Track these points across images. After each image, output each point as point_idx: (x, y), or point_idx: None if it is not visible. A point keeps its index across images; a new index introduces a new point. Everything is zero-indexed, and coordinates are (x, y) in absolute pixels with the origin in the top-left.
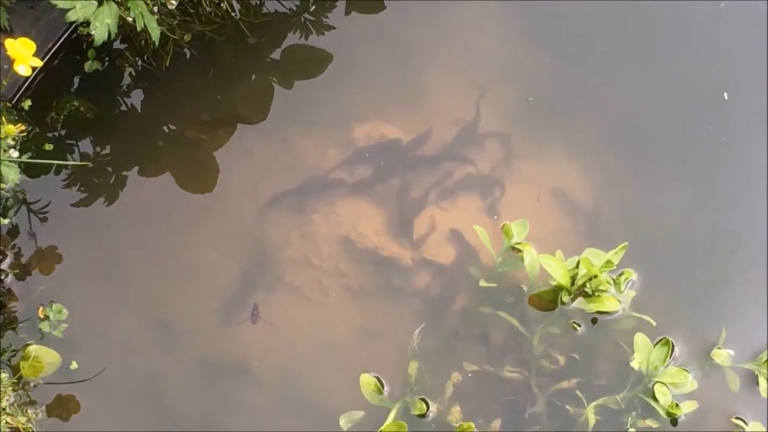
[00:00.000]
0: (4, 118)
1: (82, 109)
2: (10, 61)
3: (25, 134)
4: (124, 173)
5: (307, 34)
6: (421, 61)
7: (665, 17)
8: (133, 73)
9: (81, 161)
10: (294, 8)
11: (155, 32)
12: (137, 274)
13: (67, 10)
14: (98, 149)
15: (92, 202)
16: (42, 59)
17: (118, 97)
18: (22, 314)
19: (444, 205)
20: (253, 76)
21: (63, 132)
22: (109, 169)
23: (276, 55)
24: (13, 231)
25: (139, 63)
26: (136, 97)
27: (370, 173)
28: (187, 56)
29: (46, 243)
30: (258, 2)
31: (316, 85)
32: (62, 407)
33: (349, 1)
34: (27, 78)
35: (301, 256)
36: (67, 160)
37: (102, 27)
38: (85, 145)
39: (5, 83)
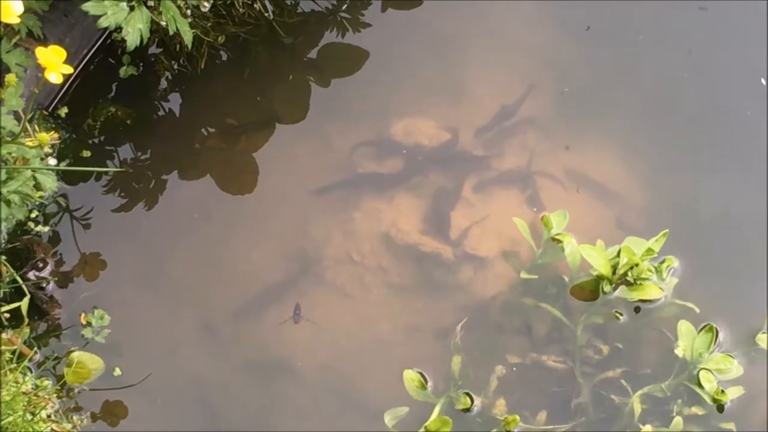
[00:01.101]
0: (37, 126)
1: (119, 114)
2: (42, 69)
3: (60, 142)
4: (164, 177)
5: (344, 32)
6: (457, 54)
7: (702, 4)
8: (170, 77)
9: (120, 166)
10: (330, 7)
11: (188, 35)
12: (179, 278)
13: (98, 17)
14: (137, 154)
15: (132, 207)
16: (77, 66)
17: (155, 102)
18: (65, 321)
19: (483, 198)
20: (290, 76)
21: (100, 138)
22: (149, 173)
23: (312, 54)
24: (54, 238)
25: (175, 67)
26: (173, 101)
27: (409, 169)
28: (223, 58)
29: (89, 249)
30: (293, 2)
31: (353, 83)
32: (110, 413)
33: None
34: (62, 85)
35: (342, 254)
36: (105, 166)
37: (134, 32)
38: (124, 151)
39: (36, 91)
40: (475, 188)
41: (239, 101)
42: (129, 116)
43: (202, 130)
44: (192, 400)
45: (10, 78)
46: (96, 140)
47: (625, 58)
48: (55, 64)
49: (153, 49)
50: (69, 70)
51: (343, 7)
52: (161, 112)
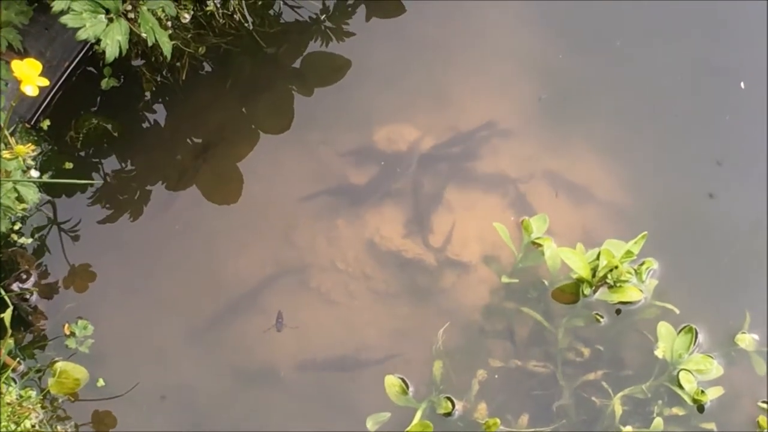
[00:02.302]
0: (19, 139)
1: (101, 126)
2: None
3: (43, 154)
4: (148, 188)
5: (327, 41)
6: (440, 62)
7: (681, 9)
8: (153, 89)
9: (103, 178)
10: (313, 17)
11: (167, 46)
12: (163, 287)
13: (77, 29)
14: (121, 165)
15: (118, 218)
16: (59, 79)
17: (138, 113)
18: (50, 332)
19: (465, 204)
20: (273, 86)
21: (84, 150)
22: (133, 184)
23: (295, 63)
24: (39, 250)
25: (158, 78)
26: (156, 112)
27: (391, 175)
28: (206, 69)
29: (72, 260)
30: (275, 12)
31: (336, 92)
32: (98, 422)
33: (369, 7)
34: (44, 98)
35: (326, 261)
36: (89, 178)
37: (113, 44)
38: (108, 162)
39: (13, 104)
40: (457, 194)
41: (222, 111)
42: (112, 128)
43: (186, 140)
44: (178, 408)
45: None
46: (79, 153)
47: (607, 64)
48: (30, 76)
49: (136, 62)
50: (45, 82)
51: (327, 17)
52: (144, 124)
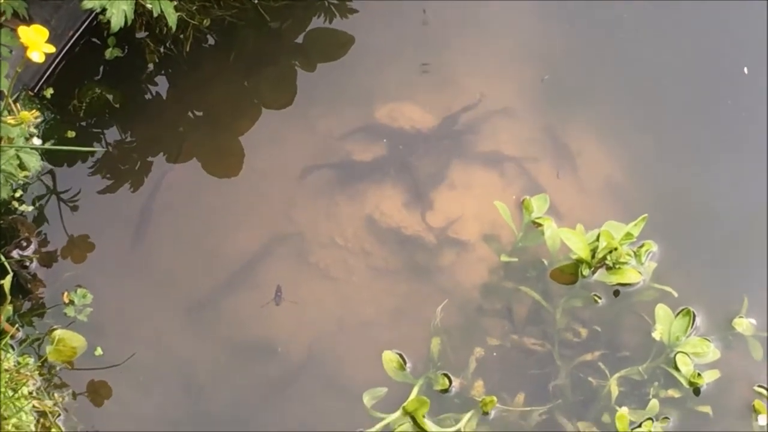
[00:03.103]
0: (21, 106)
1: (104, 96)
2: (23, 49)
3: (45, 122)
4: (150, 159)
5: (331, 18)
6: (443, 41)
7: None
8: (156, 60)
9: (105, 148)
10: None
11: (172, 17)
12: (162, 259)
13: None
14: (122, 136)
15: (118, 188)
16: (63, 48)
17: (141, 84)
18: (48, 300)
19: (465, 182)
20: (276, 61)
21: (86, 120)
22: (134, 155)
23: (299, 39)
24: (39, 218)
25: (161, 50)
26: (159, 84)
27: (392, 153)
28: (209, 42)
29: (73, 230)
30: None
31: (339, 68)
32: (93, 392)
33: None
34: (48, 66)
35: (326, 237)
36: (91, 147)
37: (118, 13)
38: (110, 133)
39: (19, 70)
40: (457, 172)
41: (225, 85)
42: (115, 98)
43: (188, 113)
44: (174, 380)
45: None
46: (81, 122)
47: (609, 47)
48: (37, 43)
49: (140, 34)
50: (51, 49)
51: None
52: (147, 95)
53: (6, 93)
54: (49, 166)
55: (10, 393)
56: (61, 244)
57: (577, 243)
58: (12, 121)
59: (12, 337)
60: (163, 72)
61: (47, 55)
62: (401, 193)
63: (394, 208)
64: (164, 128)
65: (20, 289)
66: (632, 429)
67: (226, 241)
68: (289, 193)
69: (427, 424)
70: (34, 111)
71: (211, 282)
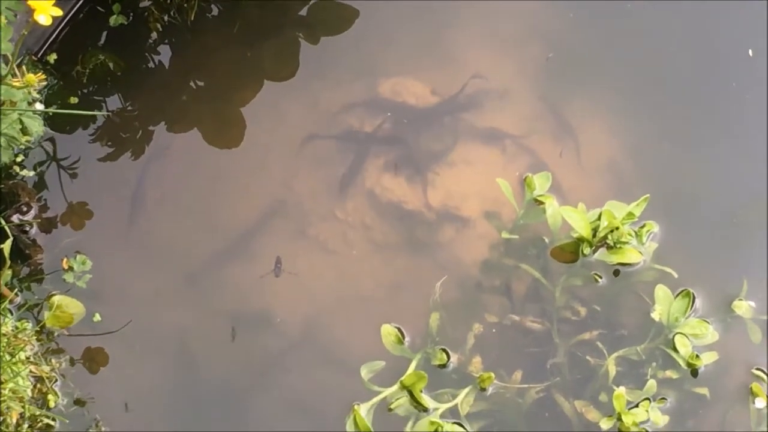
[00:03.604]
0: (26, 69)
1: (107, 63)
2: (31, 12)
3: (48, 88)
4: (151, 128)
5: None
6: (447, 17)
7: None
8: (160, 29)
9: (107, 114)
10: None
11: None
12: (162, 228)
13: None
14: (125, 104)
15: (119, 156)
16: (67, 13)
17: (145, 52)
18: (47, 266)
19: (467, 159)
20: (280, 32)
21: (89, 86)
22: (136, 123)
23: (303, 11)
24: (40, 184)
25: (165, 18)
26: (163, 52)
27: (394, 127)
28: (213, 12)
29: (73, 197)
30: None
31: (343, 41)
32: (89, 358)
33: None
34: (52, 31)
35: (325, 210)
36: (93, 113)
37: None
38: (112, 100)
39: (25, 33)
40: (459, 148)
41: (229, 55)
42: (118, 65)
43: (191, 82)
44: (171, 349)
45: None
46: (84, 89)
47: (614, 26)
48: (44, 5)
49: (144, 2)
50: (58, 12)
51: None
52: (150, 63)
53: (11, 57)
54: (50, 133)
55: (8, 357)
56: (61, 210)
57: (578, 221)
58: (17, 84)
59: (11, 301)
60: (166, 41)
61: (52, 20)
62: (403, 167)
63: (395, 182)
64: (166, 97)
65: (19, 254)
66: (629, 408)
67: (226, 211)
68: (289, 166)
69: (424, 398)
70: (39, 74)
71: (210, 251)
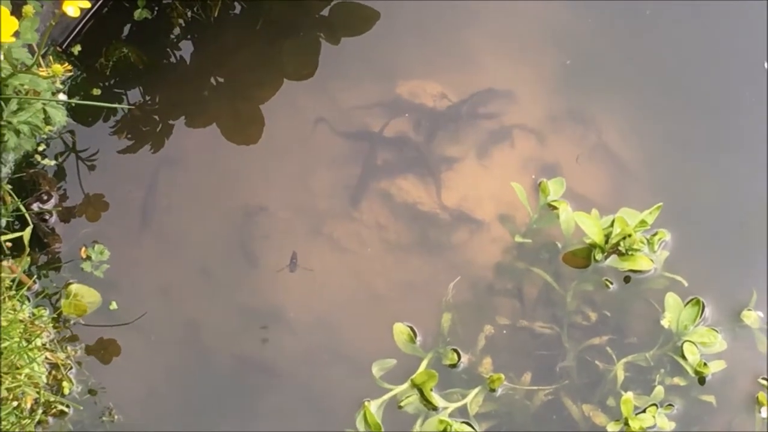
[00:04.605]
0: (51, 58)
1: (131, 56)
2: (59, 3)
3: (72, 79)
4: (171, 122)
5: None
6: (467, 21)
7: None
8: (183, 24)
9: (128, 108)
10: None
11: None
12: (179, 221)
13: None
14: (145, 97)
15: (138, 149)
16: (92, 6)
17: (167, 47)
18: (65, 255)
19: (483, 162)
20: (301, 32)
21: (111, 79)
22: (156, 117)
23: (324, 11)
24: (60, 173)
25: (189, 14)
26: (185, 48)
27: (412, 129)
28: (237, 9)
29: (92, 188)
30: None
31: (363, 42)
32: (103, 348)
33: None
34: (77, 23)
35: (341, 208)
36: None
37: None
38: (133, 94)
39: (53, 23)
40: (475, 151)
41: (250, 52)
42: (140, 59)
43: (211, 78)
44: (184, 341)
45: (27, 9)
46: (107, 81)
47: (632, 35)
48: None
49: None
50: (87, 4)
51: None
52: (172, 58)
53: (36, 48)
54: (71, 124)
55: (24, 343)
56: (78, 201)
57: (591, 227)
58: (44, 74)
59: (29, 288)
60: (189, 36)
61: (80, 12)
62: (419, 169)
63: (411, 183)
64: (186, 92)
65: (38, 242)
66: (636, 414)
67: (241, 206)
68: (306, 164)
69: (434, 397)
70: (65, 65)
71: (224, 246)
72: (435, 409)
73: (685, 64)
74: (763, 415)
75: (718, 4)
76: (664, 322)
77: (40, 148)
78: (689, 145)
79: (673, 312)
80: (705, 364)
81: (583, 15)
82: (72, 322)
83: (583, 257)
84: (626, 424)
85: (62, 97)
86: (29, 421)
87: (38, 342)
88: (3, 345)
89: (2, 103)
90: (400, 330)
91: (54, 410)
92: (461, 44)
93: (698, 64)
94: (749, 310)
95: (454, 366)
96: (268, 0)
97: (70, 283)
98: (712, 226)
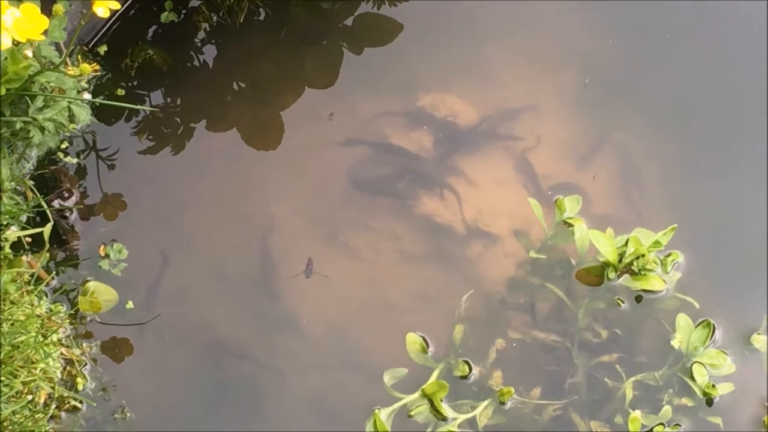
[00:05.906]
0: (79, 57)
1: (155, 58)
2: (90, 4)
3: (98, 77)
4: (192, 125)
5: (380, 5)
6: (488, 36)
7: (725, 9)
8: (208, 28)
9: (155, 108)
10: None
11: None
12: (196, 224)
13: None
14: (168, 99)
15: (159, 151)
16: (120, 7)
17: (192, 51)
18: (83, 253)
19: (500, 177)
20: (325, 41)
21: (136, 80)
22: (178, 119)
23: (348, 21)
24: (81, 172)
25: (215, 19)
26: (209, 52)
27: (431, 142)
28: (261, 16)
29: (112, 188)
30: None
31: (385, 54)
32: (118, 347)
33: None
34: (104, 24)
35: (357, 218)
36: (137, 106)
37: None
38: (156, 96)
39: (83, 23)
40: (493, 167)
41: (273, 59)
42: (164, 61)
43: (234, 83)
44: (199, 343)
45: (57, 8)
46: (131, 82)
47: (650, 57)
48: None
49: (195, 1)
50: (116, 5)
51: None
52: (196, 61)
53: (63, 47)
54: (93, 123)
55: (41, 338)
56: (97, 200)
57: (605, 246)
58: (72, 72)
59: (47, 284)
60: (213, 41)
61: (109, 13)
62: (436, 180)
63: (427, 195)
64: (209, 96)
65: (57, 239)
66: None
67: (260, 212)
68: (325, 171)
69: (444, 407)
70: (94, 64)
71: (242, 250)
72: (444, 419)
73: (703, 86)
74: None
75: (735, 29)
76: (675, 343)
77: (63, 146)
78: (706, 168)
79: (684, 333)
80: (713, 385)
81: (603, 36)
82: (88, 319)
83: (596, 275)
84: None
85: (87, 96)
86: (42, 415)
87: (54, 337)
88: (21, 339)
89: (29, 100)
90: (413, 340)
91: (67, 405)
92: (481, 60)
93: (717, 87)
94: (759, 334)
95: (464, 377)
96: (293, 7)
97: (88, 281)
98: (725, 249)
